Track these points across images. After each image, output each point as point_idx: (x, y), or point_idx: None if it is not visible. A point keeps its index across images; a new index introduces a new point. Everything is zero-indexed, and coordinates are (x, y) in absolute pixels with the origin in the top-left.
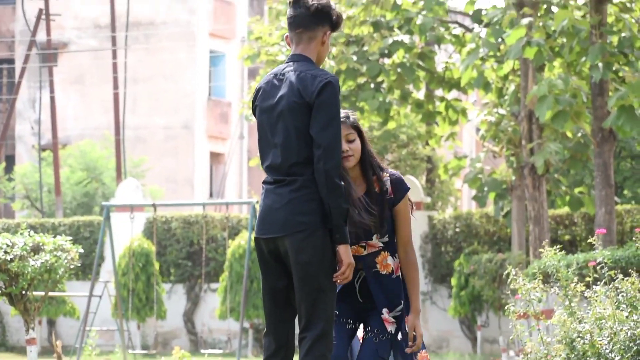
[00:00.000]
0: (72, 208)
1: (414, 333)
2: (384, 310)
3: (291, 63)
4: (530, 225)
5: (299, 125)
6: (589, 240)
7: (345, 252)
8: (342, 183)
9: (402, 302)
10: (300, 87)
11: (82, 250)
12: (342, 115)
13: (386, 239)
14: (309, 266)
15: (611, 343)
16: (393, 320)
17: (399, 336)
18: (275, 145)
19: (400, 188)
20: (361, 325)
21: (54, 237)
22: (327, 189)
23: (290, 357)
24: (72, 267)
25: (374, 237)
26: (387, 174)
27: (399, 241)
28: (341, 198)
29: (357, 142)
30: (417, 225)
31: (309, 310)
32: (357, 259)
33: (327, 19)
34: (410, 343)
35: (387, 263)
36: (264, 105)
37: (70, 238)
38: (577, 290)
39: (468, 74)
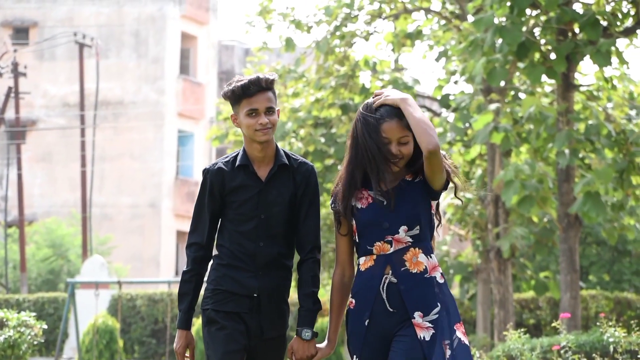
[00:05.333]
0: (37, 284)
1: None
2: (417, 314)
3: None
4: (495, 308)
5: None
6: (553, 325)
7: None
8: (186, 268)
9: (438, 305)
10: None
11: (46, 327)
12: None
13: (416, 231)
14: None
15: None
16: (429, 324)
17: (436, 342)
18: None
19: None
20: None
21: (18, 313)
22: None
23: None
24: (35, 343)
25: (401, 229)
26: None
27: None
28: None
29: (411, 145)
30: None
31: None
32: (383, 258)
33: (230, 102)
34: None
35: (417, 261)
36: None
37: (34, 314)
38: None
39: None
